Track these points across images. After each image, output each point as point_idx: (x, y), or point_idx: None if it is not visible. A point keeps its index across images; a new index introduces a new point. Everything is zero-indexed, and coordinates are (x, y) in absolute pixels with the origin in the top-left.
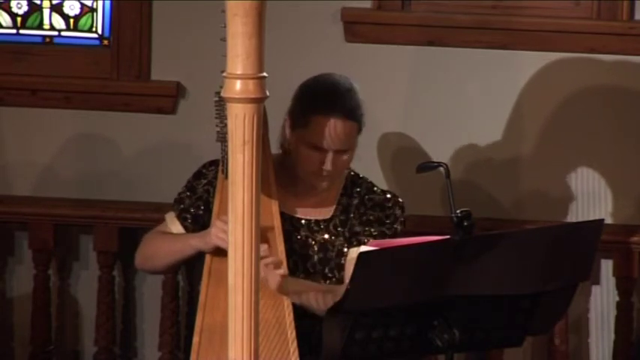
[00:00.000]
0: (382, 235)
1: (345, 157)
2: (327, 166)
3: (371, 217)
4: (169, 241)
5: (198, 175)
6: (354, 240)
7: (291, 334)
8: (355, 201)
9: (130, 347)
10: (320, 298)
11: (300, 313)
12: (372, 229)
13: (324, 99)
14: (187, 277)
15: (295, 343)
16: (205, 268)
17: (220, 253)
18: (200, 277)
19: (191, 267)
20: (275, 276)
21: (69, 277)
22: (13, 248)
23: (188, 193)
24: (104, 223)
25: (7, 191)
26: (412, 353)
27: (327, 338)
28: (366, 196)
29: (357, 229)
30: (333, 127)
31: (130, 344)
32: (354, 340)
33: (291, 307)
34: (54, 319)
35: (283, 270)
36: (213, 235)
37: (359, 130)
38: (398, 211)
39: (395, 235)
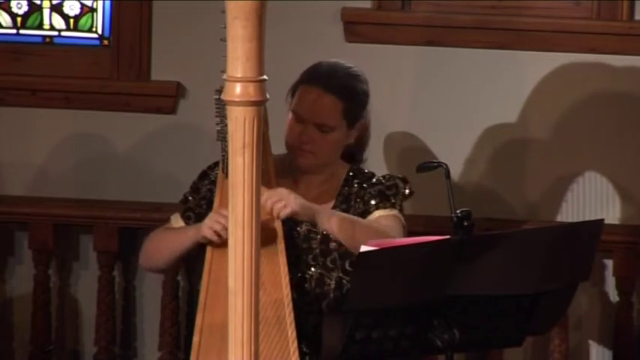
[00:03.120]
0: (385, 199)
1: (326, 136)
2: (305, 137)
3: (372, 193)
4: (169, 236)
5: (202, 176)
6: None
7: (292, 333)
8: (355, 189)
9: (130, 347)
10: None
11: (301, 313)
12: (376, 201)
13: (313, 71)
14: (187, 277)
15: (295, 343)
16: (205, 268)
17: (220, 252)
18: (200, 277)
19: (191, 267)
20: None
21: (69, 277)
22: (13, 248)
23: (192, 194)
24: (104, 223)
25: (7, 191)
26: (412, 353)
27: (327, 338)
28: (365, 183)
29: (361, 208)
30: (313, 96)
31: (130, 344)
32: (354, 340)
33: (291, 305)
34: (54, 319)
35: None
36: (204, 225)
37: (346, 112)
38: (400, 183)
39: (403, 200)
